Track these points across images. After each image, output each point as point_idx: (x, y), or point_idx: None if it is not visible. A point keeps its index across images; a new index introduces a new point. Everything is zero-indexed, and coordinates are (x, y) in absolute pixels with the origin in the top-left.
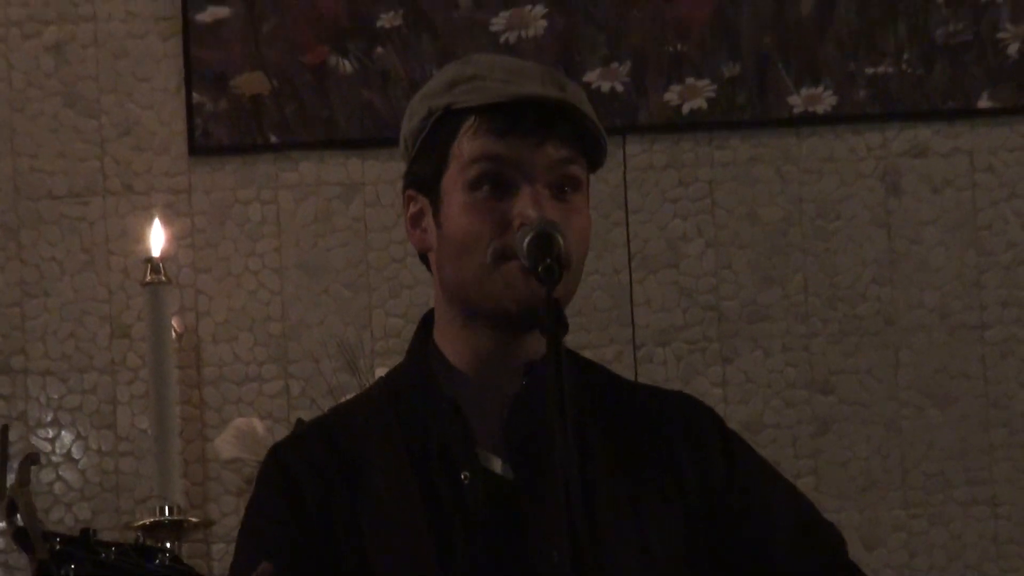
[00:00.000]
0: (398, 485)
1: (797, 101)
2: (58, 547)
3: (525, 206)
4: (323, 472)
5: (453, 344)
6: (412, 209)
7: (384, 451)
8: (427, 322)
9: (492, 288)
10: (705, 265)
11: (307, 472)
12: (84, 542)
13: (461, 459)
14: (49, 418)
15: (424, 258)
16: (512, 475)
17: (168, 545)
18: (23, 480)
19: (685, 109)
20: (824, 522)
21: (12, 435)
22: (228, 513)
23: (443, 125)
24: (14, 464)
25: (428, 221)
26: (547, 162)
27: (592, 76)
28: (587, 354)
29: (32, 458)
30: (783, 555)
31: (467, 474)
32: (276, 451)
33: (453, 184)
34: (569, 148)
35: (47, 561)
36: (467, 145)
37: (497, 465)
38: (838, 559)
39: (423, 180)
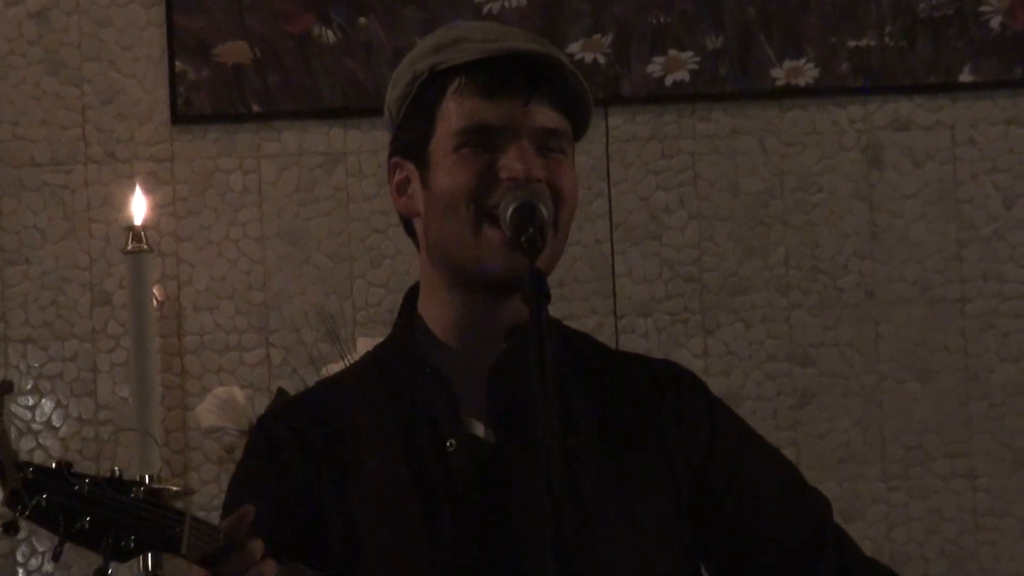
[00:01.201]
0: (385, 456)
1: (780, 74)
2: (31, 476)
3: (511, 160)
4: (310, 444)
5: (437, 312)
6: (398, 177)
7: (371, 423)
8: (412, 295)
9: (475, 252)
10: (687, 237)
11: (294, 443)
12: (59, 473)
13: (446, 427)
14: (29, 386)
15: (409, 228)
16: (494, 439)
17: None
18: None
19: (668, 81)
20: (809, 487)
21: None
22: (208, 482)
23: (429, 88)
24: None
25: (415, 186)
26: (533, 122)
27: (575, 47)
28: (568, 324)
29: (5, 386)
30: (769, 521)
31: (452, 441)
32: (263, 421)
33: (441, 146)
34: (555, 110)
35: (20, 490)
36: (454, 106)
37: (480, 429)
38: (824, 524)
39: (409, 145)
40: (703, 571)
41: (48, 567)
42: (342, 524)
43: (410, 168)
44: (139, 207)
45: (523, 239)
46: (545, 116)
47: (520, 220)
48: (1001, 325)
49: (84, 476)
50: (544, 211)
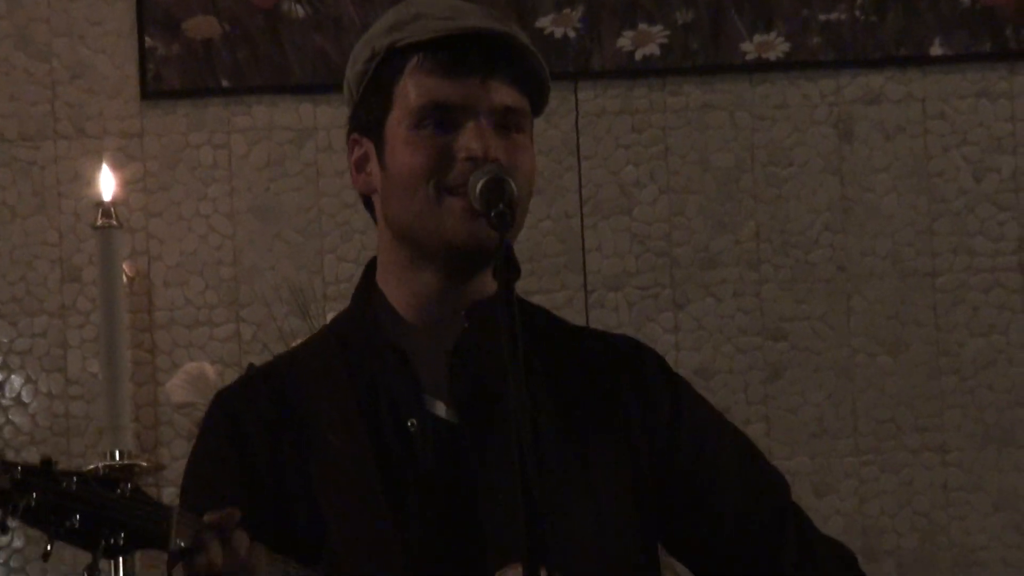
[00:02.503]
0: (347, 435)
1: (750, 48)
2: (19, 476)
3: (469, 139)
4: (270, 422)
5: (398, 288)
6: (356, 153)
7: (332, 401)
8: (371, 269)
9: (437, 224)
10: (657, 211)
11: (254, 421)
12: (45, 472)
13: (408, 407)
14: None
15: (368, 203)
16: (456, 419)
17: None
18: None
19: (638, 55)
20: (769, 465)
21: None
22: (179, 457)
23: (386, 66)
24: None
25: (372, 164)
26: (491, 101)
27: (545, 22)
28: (538, 299)
29: None
30: (731, 497)
31: (414, 421)
32: (221, 398)
33: (397, 124)
34: (513, 88)
35: (9, 490)
36: (411, 84)
37: (442, 409)
38: (785, 501)
39: (367, 123)
40: (661, 551)
41: (17, 543)
42: (306, 502)
43: (368, 145)
44: (108, 183)
45: (493, 214)
46: (503, 94)
47: (490, 195)
48: (972, 299)
49: (71, 473)
50: (513, 186)
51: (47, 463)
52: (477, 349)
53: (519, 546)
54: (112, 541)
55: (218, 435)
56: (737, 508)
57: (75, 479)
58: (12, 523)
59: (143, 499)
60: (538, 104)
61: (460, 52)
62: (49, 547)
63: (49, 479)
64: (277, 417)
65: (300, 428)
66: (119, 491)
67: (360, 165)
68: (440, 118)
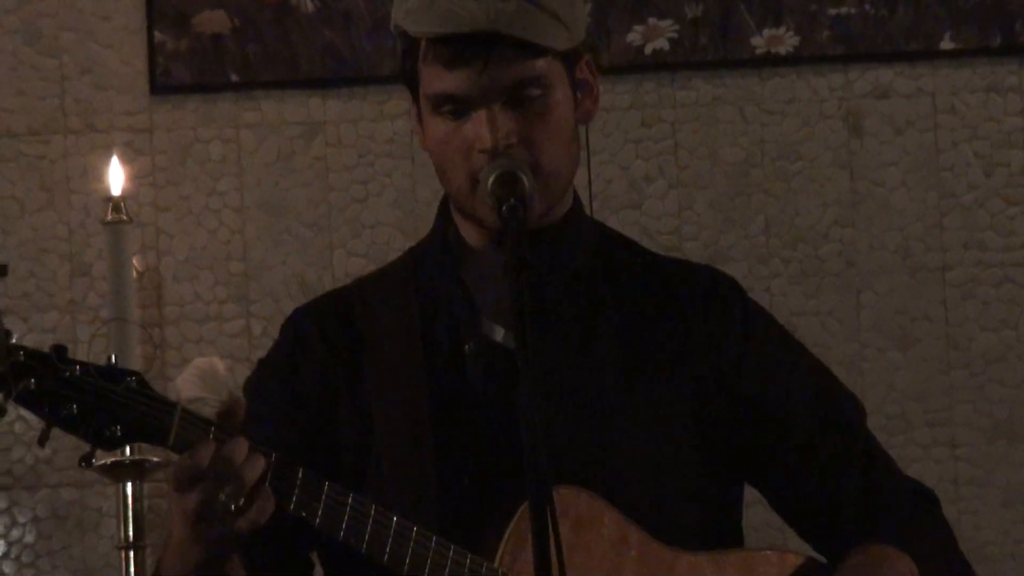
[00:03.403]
0: (404, 357)
1: (760, 42)
2: (22, 359)
3: (480, 130)
4: (332, 340)
5: (462, 221)
6: (413, 110)
7: (395, 325)
8: (447, 198)
9: (473, 209)
10: (667, 206)
11: (317, 338)
12: (50, 358)
13: (466, 331)
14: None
15: None
16: (513, 343)
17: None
18: None
19: (648, 50)
20: (845, 397)
21: None
22: None
23: (405, 40)
24: None
25: (419, 127)
26: (497, 83)
27: None
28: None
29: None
30: (798, 430)
31: (470, 345)
32: (294, 315)
33: (424, 99)
34: (516, 62)
35: (4, 373)
36: (423, 69)
37: (500, 334)
38: (855, 436)
39: (409, 86)
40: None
41: (29, 539)
42: (356, 421)
43: (414, 113)
44: (118, 178)
45: (503, 209)
46: (509, 72)
47: (501, 191)
48: (982, 293)
49: (76, 362)
50: (526, 180)
51: (57, 348)
52: (539, 271)
53: (554, 479)
54: (108, 432)
55: (281, 351)
56: (802, 443)
57: (78, 368)
58: (8, 405)
59: (147, 393)
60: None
61: (458, 44)
62: (46, 432)
63: (51, 366)
64: (339, 335)
65: (361, 349)
66: (123, 384)
67: (417, 119)
68: (451, 108)
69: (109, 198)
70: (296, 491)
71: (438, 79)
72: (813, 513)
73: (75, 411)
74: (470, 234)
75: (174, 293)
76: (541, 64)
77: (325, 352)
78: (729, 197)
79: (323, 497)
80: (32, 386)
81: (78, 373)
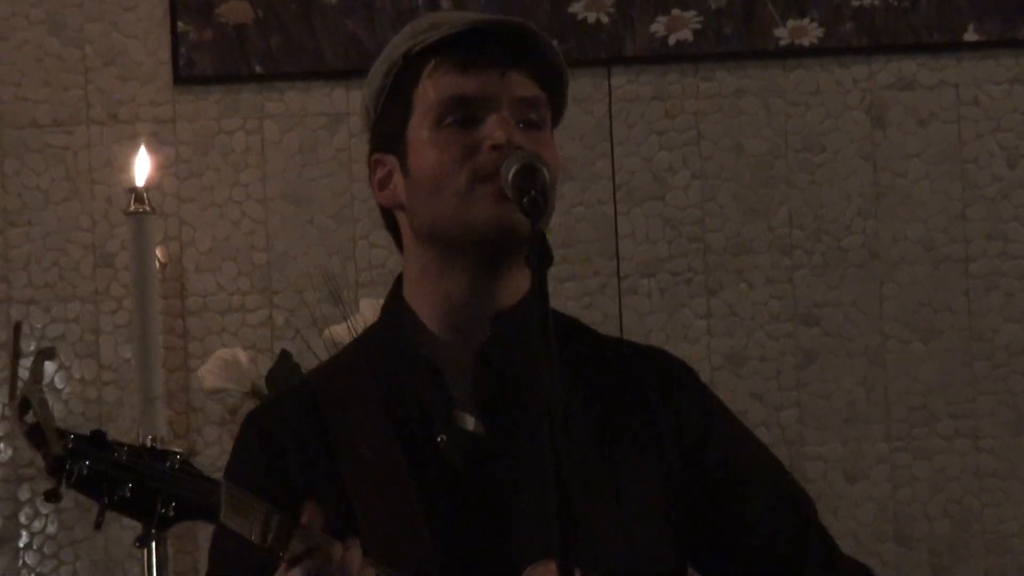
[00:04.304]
0: (379, 447)
1: (783, 33)
2: (72, 444)
3: (493, 128)
4: (303, 437)
5: (426, 299)
6: (380, 173)
7: (364, 415)
8: (398, 286)
9: (469, 215)
10: (690, 197)
11: (287, 436)
12: (97, 441)
13: (437, 421)
14: (32, 348)
15: (390, 223)
16: (483, 431)
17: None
18: (36, 376)
19: (671, 40)
20: (797, 484)
21: None
22: (211, 443)
23: (404, 75)
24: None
25: (396, 177)
26: (511, 92)
27: (577, 7)
28: (571, 286)
29: (46, 353)
30: (759, 512)
31: (443, 437)
32: (253, 417)
33: (419, 127)
34: (533, 84)
35: (63, 456)
36: (430, 85)
37: (470, 423)
38: (811, 520)
39: (388, 136)
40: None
41: (51, 529)
42: (339, 513)
43: (391, 161)
44: (141, 168)
45: (525, 200)
46: (523, 86)
47: (523, 182)
48: (1005, 285)
49: (122, 444)
50: (546, 173)
51: (97, 433)
52: (503, 355)
53: (547, 549)
54: (164, 511)
55: (251, 450)
56: (763, 524)
57: (126, 449)
58: (64, 491)
59: (192, 471)
60: (557, 102)
61: (477, 48)
62: (100, 516)
63: (101, 448)
64: (308, 430)
65: (331, 440)
66: (168, 463)
67: (383, 184)
68: (461, 114)
69: (132, 189)
70: None
71: (451, 85)
72: None
73: (129, 492)
74: (434, 316)
75: (197, 284)
76: (545, 99)
77: (295, 446)
78: (752, 188)
79: None
80: (86, 470)
81: (127, 454)
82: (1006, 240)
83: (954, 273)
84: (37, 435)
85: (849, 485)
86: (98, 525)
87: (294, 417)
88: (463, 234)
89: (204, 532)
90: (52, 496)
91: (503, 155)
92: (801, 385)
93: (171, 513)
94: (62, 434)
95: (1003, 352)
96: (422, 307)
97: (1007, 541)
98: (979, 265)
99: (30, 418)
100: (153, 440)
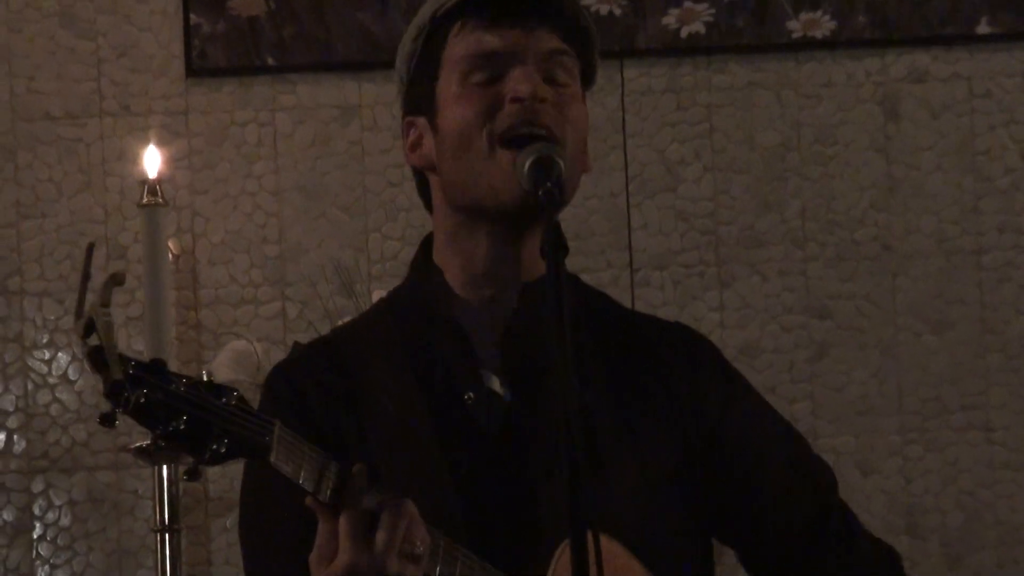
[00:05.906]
0: (406, 403)
1: (796, 26)
2: (132, 371)
3: (517, 81)
4: (329, 389)
5: (452, 261)
6: (412, 136)
7: (389, 372)
8: (427, 245)
9: (489, 180)
10: (703, 190)
11: (314, 388)
12: (157, 370)
13: (464, 380)
14: (45, 339)
15: (422, 187)
16: (510, 395)
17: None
18: (104, 300)
19: (684, 33)
20: (817, 461)
21: (9, 356)
22: None
23: (433, 38)
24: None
25: (427, 138)
26: (537, 47)
27: None
28: (583, 277)
29: (116, 278)
30: (773, 489)
31: (471, 395)
32: (280, 369)
33: (447, 85)
34: (560, 39)
35: (121, 381)
36: (457, 44)
37: (496, 384)
38: (831, 494)
39: (419, 99)
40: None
41: (65, 521)
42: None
43: (421, 123)
44: (154, 161)
45: (540, 192)
46: (549, 40)
47: (537, 173)
48: (1018, 277)
49: (181, 376)
50: (562, 164)
51: (157, 362)
52: (529, 330)
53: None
54: (215, 447)
55: (281, 401)
56: (781, 499)
57: (184, 381)
58: (119, 419)
59: (248, 409)
60: (587, 61)
61: (503, 6)
62: (154, 444)
63: (161, 378)
64: (336, 384)
65: (357, 396)
66: (225, 399)
67: (415, 147)
68: (487, 69)
69: (145, 181)
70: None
71: (477, 42)
72: (791, 573)
73: (184, 425)
74: (461, 280)
75: (210, 276)
76: (574, 65)
77: (326, 402)
78: (765, 181)
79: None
80: (144, 398)
81: (185, 387)
82: (1019, 232)
83: (967, 265)
84: (98, 358)
85: (862, 477)
86: (194, 475)
87: (320, 369)
88: (484, 196)
89: (216, 525)
90: (107, 419)
91: (524, 110)
92: (814, 377)
93: (223, 449)
94: (123, 360)
95: (1016, 344)
96: (449, 268)
97: (1019, 532)
98: (991, 257)
99: (93, 340)
100: (209, 375)
